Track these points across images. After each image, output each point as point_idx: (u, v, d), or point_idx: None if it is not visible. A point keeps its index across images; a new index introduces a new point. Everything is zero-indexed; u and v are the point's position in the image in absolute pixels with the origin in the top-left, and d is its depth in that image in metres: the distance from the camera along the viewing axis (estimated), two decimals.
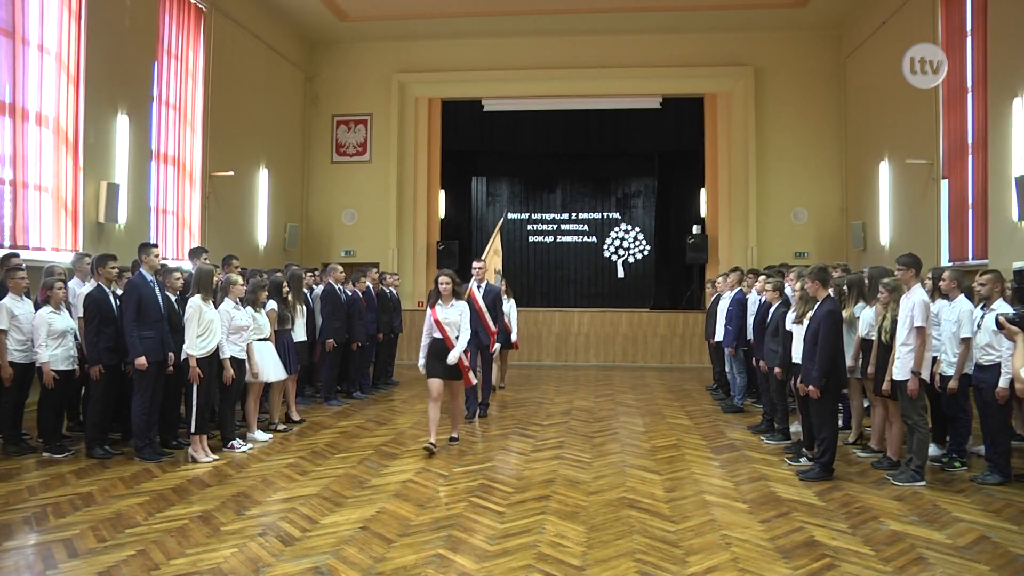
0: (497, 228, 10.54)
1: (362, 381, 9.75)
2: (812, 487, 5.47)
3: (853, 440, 6.91)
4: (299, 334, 8.01)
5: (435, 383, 6.42)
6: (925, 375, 5.62)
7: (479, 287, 8.00)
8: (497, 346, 8.45)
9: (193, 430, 6.12)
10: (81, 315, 6.40)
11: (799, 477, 5.72)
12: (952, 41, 9.87)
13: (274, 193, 13.58)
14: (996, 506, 5.01)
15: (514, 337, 9.97)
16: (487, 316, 7.92)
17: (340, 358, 9.15)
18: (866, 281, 6.66)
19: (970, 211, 9.52)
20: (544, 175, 16.92)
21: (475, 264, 8.20)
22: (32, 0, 8.02)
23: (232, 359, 6.41)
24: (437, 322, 6.38)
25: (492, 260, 9.52)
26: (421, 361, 6.50)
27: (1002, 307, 5.57)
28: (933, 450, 6.12)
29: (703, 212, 14.86)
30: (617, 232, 16.54)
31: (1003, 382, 5.40)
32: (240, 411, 7.21)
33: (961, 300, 6.05)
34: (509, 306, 9.77)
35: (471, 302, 7.48)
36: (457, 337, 6.41)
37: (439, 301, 6.45)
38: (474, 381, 6.94)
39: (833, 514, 4.84)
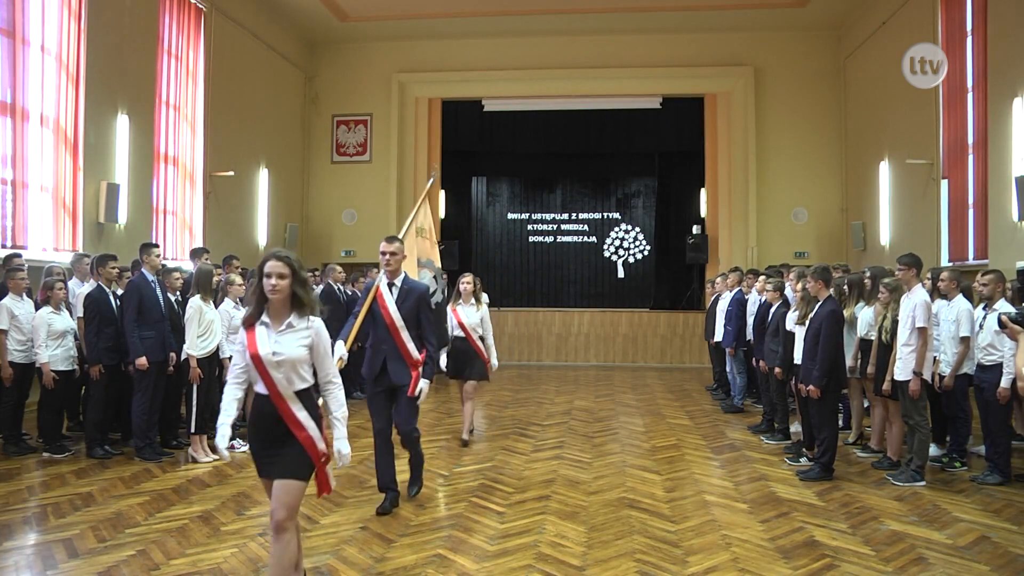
0: (424, 194, 7.04)
1: (361, 381, 9.72)
2: (812, 487, 5.47)
3: (853, 440, 6.92)
4: None
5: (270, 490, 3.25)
6: (926, 375, 5.62)
7: (391, 286, 4.87)
8: (425, 382, 4.85)
9: (193, 430, 6.13)
10: (81, 315, 6.40)
11: (799, 477, 5.72)
12: (952, 41, 9.87)
13: (274, 193, 13.58)
14: (996, 506, 5.01)
15: (493, 362, 7.01)
16: (404, 335, 4.77)
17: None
18: (867, 281, 6.66)
19: (970, 211, 9.52)
20: (544, 175, 16.92)
21: (383, 247, 4.92)
22: (32, 0, 8.02)
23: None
24: (256, 359, 3.22)
25: (418, 247, 6.27)
26: (221, 436, 3.35)
27: (1004, 307, 5.58)
28: (933, 450, 6.12)
29: (703, 212, 14.86)
30: (617, 232, 16.53)
31: (1005, 382, 5.41)
32: (240, 411, 7.21)
33: (960, 300, 6.05)
34: (479, 316, 6.90)
35: (378, 309, 4.82)
36: (300, 394, 3.22)
37: (265, 313, 3.26)
38: (333, 486, 3.41)
39: (833, 514, 4.84)
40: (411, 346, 4.82)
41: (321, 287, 9.18)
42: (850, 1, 12.61)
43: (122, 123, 9.38)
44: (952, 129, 9.98)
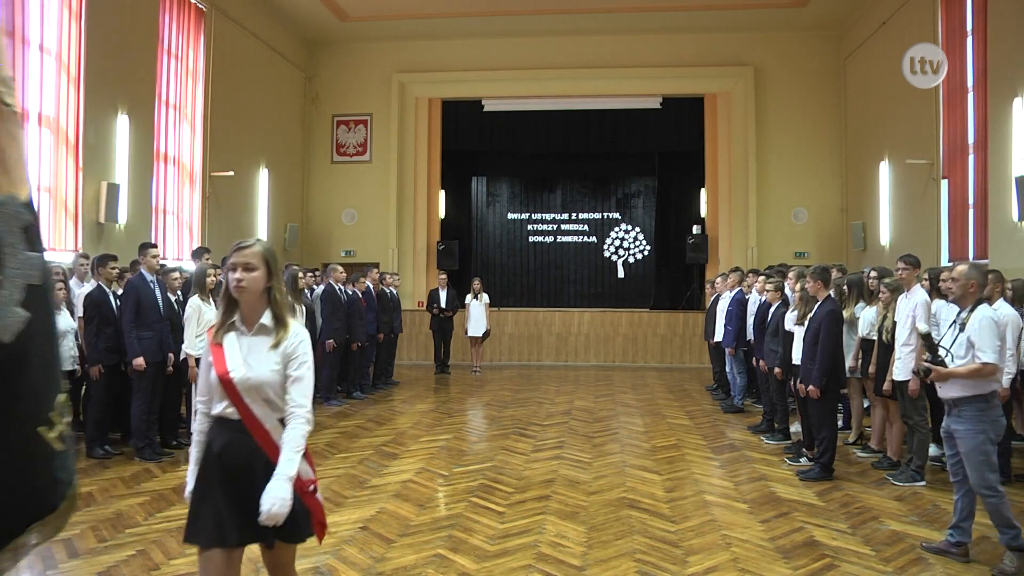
0: None
1: (362, 381, 9.76)
2: (812, 487, 5.47)
3: (853, 440, 6.92)
4: None
5: None
6: None
7: None
8: None
9: None
10: (81, 315, 6.40)
11: (799, 477, 5.72)
12: (952, 41, 9.87)
13: (274, 193, 13.58)
14: None
15: (281, 498, 2.34)
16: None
17: (340, 358, 9.15)
18: (871, 281, 6.66)
19: (970, 211, 9.52)
20: (544, 175, 16.92)
21: None
22: (32, 0, 8.02)
23: None
24: None
25: None
26: None
27: (1003, 307, 5.57)
28: (933, 450, 6.12)
29: (703, 212, 14.86)
30: (617, 232, 16.53)
31: (1005, 382, 5.40)
32: None
33: None
34: (277, 360, 2.51)
35: None
36: None
37: None
38: None
39: (833, 514, 4.84)
40: None
41: (321, 287, 9.18)
42: (850, 1, 12.61)
43: (122, 123, 9.38)
44: (952, 129, 9.98)
